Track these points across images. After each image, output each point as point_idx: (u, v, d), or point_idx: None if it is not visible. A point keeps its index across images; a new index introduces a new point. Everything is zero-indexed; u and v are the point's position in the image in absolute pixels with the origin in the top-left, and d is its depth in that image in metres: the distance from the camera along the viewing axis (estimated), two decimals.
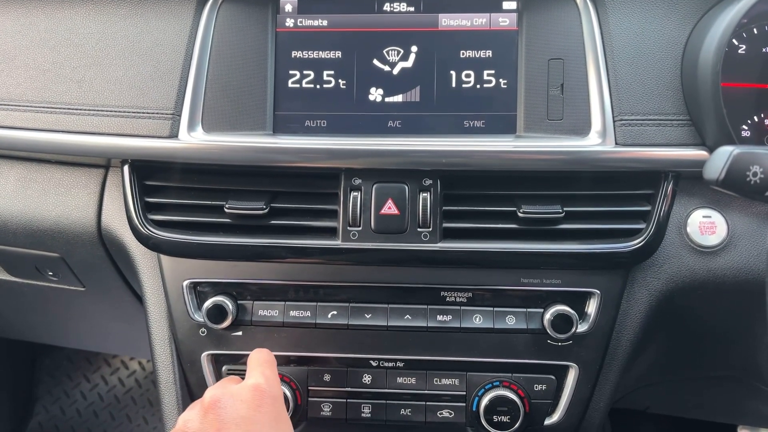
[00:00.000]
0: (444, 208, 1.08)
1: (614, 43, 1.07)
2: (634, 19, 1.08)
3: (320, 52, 1.13)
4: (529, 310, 1.10)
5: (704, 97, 1.01)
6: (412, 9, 1.13)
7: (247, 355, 1.11)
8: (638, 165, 1.06)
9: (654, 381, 1.42)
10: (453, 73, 1.12)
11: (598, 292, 1.09)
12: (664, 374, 1.39)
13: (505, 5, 1.12)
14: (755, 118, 1.09)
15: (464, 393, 1.11)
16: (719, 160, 0.80)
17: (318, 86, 1.13)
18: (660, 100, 1.06)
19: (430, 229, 1.07)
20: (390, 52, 1.12)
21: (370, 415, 1.12)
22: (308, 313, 1.11)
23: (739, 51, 1.09)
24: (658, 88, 1.06)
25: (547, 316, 1.07)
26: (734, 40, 1.08)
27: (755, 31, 1.09)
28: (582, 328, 1.09)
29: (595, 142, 1.05)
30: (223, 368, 1.14)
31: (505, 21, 1.12)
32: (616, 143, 1.05)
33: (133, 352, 2.15)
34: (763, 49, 1.09)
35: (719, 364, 1.32)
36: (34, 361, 2.32)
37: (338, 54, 1.13)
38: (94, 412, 2.31)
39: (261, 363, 0.97)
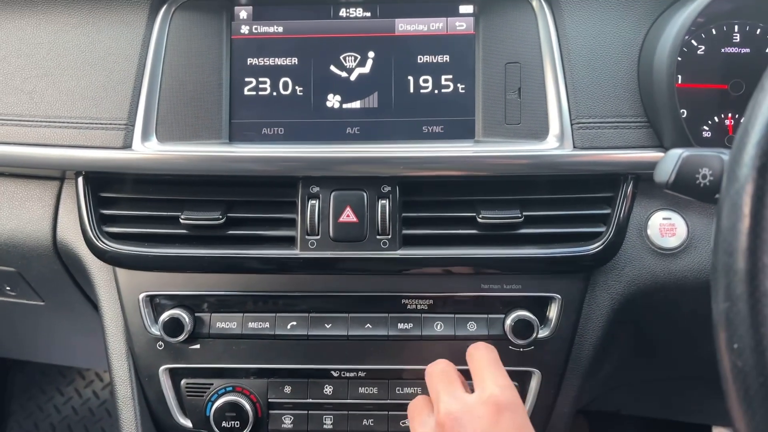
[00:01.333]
0: (403, 214, 1.07)
1: (570, 46, 1.07)
2: (589, 22, 1.08)
3: (276, 59, 1.12)
4: (490, 316, 1.09)
5: (660, 98, 1.01)
6: (368, 14, 1.12)
7: (207, 368, 1.10)
8: (597, 168, 1.05)
9: (622, 383, 1.42)
10: (411, 78, 1.11)
11: (559, 296, 1.08)
12: (632, 376, 1.39)
13: (462, 9, 1.11)
14: (715, 119, 1.09)
15: None
16: (669, 163, 0.80)
17: (274, 93, 1.12)
18: (617, 103, 1.06)
19: (390, 237, 1.06)
20: (347, 57, 1.11)
21: (332, 426, 1.11)
22: (267, 325, 1.09)
23: (698, 51, 1.09)
24: (615, 90, 1.06)
25: (508, 321, 1.06)
26: (693, 41, 1.08)
27: (714, 31, 1.09)
28: (543, 333, 1.08)
29: (553, 145, 1.05)
30: (182, 382, 1.12)
31: (462, 25, 1.11)
32: (574, 146, 1.04)
33: (99, 365, 2.12)
34: (722, 50, 1.09)
35: (686, 365, 1.32)
36: (6, 376, 2.29)
37: (294, 60, 1.12)
38: (68, 426, 2.27)
39: (489, 365, 0.91)
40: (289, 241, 1.07)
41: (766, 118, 0.57)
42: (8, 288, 1.30)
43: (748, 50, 1.09)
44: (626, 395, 1.59)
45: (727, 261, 0.57)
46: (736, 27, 1.09)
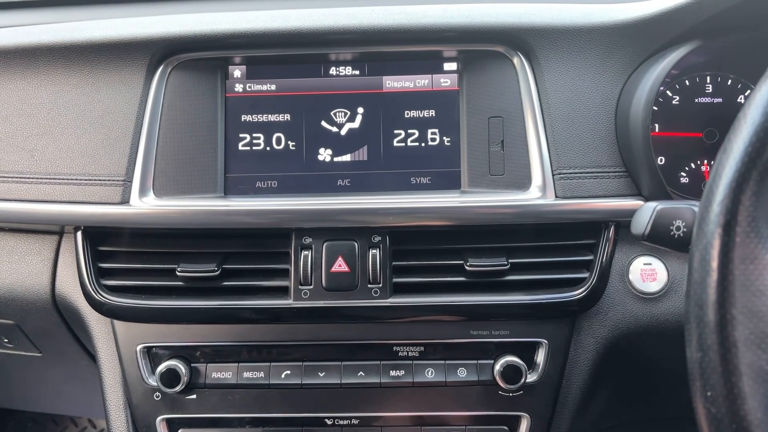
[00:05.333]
0: (393, 263, 1.10)
1: (550, 100, 1.12)
2: (568, 77, 1.13)
3: (269, 116, 1.16)
4: (479, 361, 1.11)
5: (636, 147, 1.06)
6: (357, 72, 1.16)
7: (203, 418, 1.12)
8: (578, 216, 1.09)
9: (608, 425, 1.43)
10: (398, 132, 1.15)
11: (546, 341, 1.11)
12: (618, 418, 1.41)
13: (446, 66, 1.16)
14: (692, 165, 1.13)
15: None
16: (644, 215, 0.84)
17: (268, 148, 1.16)
18: (596, 153, 1.10)
19: (381, 285, 1.08)
20: (337, 113, 1.16)
21: None
22: (262, 374, 1.11)
23: (674, 102, 1.14)
24: (594, 141, 1.11)
25: (497, 367, 1.09)
26: (668, 92, 1.14)
27: (687, 82, 1.14)
28: (532, 377, 1.11)
29: (536, 195, 1.09)
30: None
31: (446, 82, 1.16)
32: (556, 196, 1.08)
33: (94, 413, 2.12)
34: (696, 100, 1.14)
35: (670, 406, 1.34)
36: None
37: (287, 117, 1.16)
38: None
39: None
40: (283, 291, 1.10)
41: (729, 178, 0.61)
42: (6, 340, 1.32)
43: (720, 100, 1.14)
44: None
45: (698, 313, 0.60)
46: (708, 78, 1.15)
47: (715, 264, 0.60)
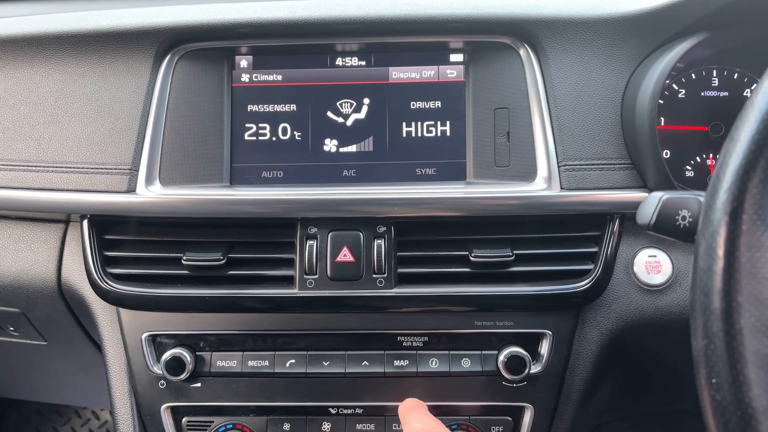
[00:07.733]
0: (398, 253, 1.10)
1: (556, 92, 1.12)
2: (574, 69, 1.13)
3: (275, 106, 1.16)
4: (483, 352, 1.11)
5: (642, 140, 1.06)
6: (363, 63, 1.17)
7: (207, 406, 1.12)
8: (583, 208, 1.09)
9: (613, 418, 1.44)
10: (404, 123, 1.15)
11: (550, 332, 1.11)
12: (622, 411, 1.41)
13: (452, 58, 1.16)
14: (697, 159, 1.13)
15: None
16: (650, 205, 0.84)
17: (274, 138, 1.16)
18: (602, 145, 1.10)
19: (385, 275, 1.09)
20: (343, 104, 1.16)
21: None
22: (266, 363, 1.12)
23: (679, 95, 1.14)
24: (599, 133, 1.11)
25: (501, 357, 1.09)
26: (674, 85, 1.14)
27: (693, 76, 1.14)
28: (535, 368, 1.11)
29: (541, 187, 1.09)
30: (183, 419, 1.14)
31: (452, 73, 1.16)
32: (562, 188, 1.09)
33: (98, 404, 2.13)
34: (702, 93, 1.14)
35: (674, 399, 1.34)
36: (2, 416, 2.28)
37: (293, 107, 1.16)
38: None
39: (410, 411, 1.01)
40: (288, 281, 1.10)
41: (736, 165, 0.61)
42: (12, 328, 1.32)
43: (726, 93, 1.14)
44: (624, 428, 1.60)
45: (704, 300, 0.61)
46: (715, 72, 1.15)
47: (721, 251, 0.60)
